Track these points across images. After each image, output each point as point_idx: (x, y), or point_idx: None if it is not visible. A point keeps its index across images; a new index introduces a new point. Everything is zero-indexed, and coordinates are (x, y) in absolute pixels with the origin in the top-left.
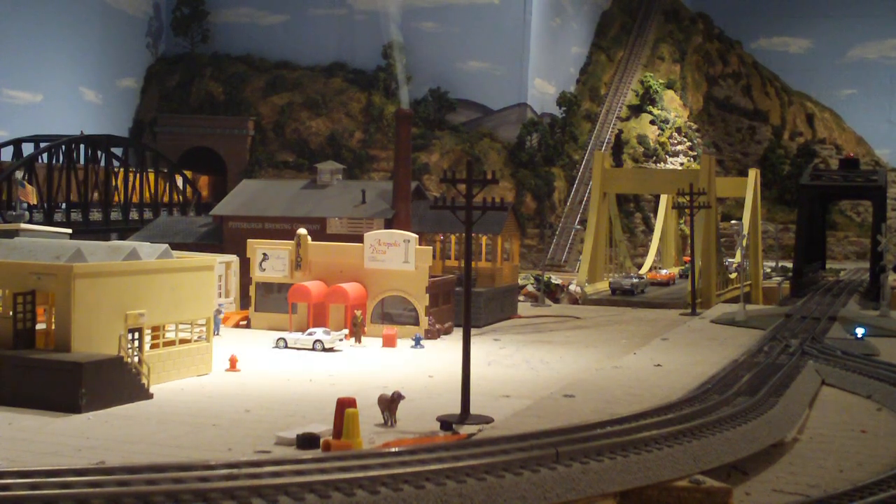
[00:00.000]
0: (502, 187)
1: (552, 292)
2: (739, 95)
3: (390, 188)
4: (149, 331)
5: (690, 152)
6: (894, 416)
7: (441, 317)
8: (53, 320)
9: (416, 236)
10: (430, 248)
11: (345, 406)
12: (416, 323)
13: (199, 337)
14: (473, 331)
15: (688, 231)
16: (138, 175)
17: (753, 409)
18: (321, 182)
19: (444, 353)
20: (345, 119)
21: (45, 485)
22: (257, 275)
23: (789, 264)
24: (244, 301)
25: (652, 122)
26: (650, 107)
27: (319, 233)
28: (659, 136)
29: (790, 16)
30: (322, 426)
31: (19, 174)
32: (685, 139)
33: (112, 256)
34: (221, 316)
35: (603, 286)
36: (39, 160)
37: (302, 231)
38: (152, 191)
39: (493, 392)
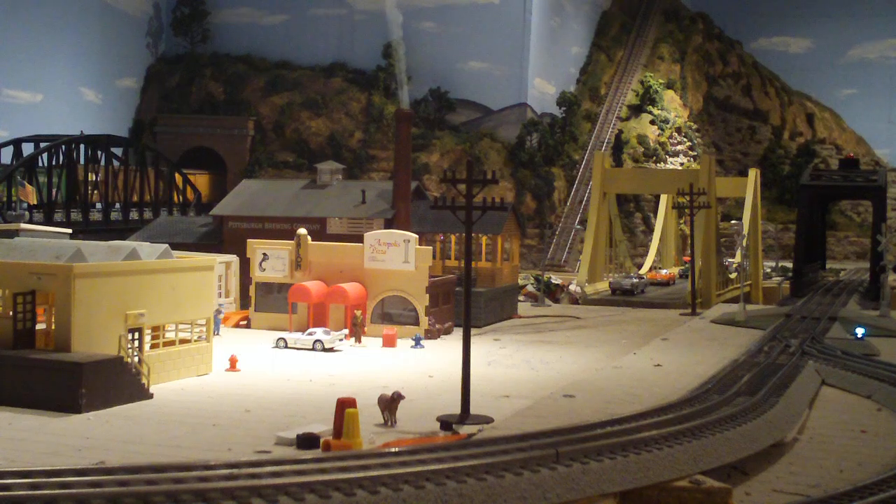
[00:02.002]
0: (502, 187)
1: (552, 292)
2: (739, 95)
3: (390, 188)
4: (149, 331)
5: (690, 152)
6: (894, 416)
7: (441, 317)
8: (53, 320)
9: (416, 236)
10: (430, 248)
11: (345, 406)
12: (416, 323)
13: (199, 337)
14: (473, 331)
15: (688, 231)
16: (138, 175)
17: (753, 409)
18: (321, 182)
19: (444, 353)
20: (345, 119)
21: (45, 485)
22: (257, 275)
23: (789, 264)
24: (244, 301)
25: (652, 122)
26: (650, 107)
27: (319, 233)
28: (659, 136)
29: (790, 16)
30: (322, 426)
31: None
32: (685, 139)
33: (112, 256)
34: (221, 316)
35: (603, 286)
36: (39, 160)
37: (302, 231)
38: (152, 191)
39: (493, 392)
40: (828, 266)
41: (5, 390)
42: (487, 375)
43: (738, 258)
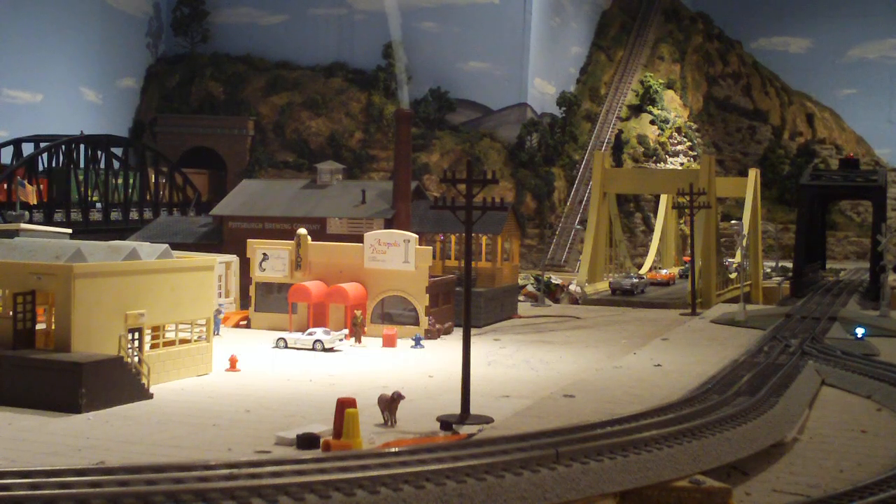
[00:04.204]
0: (502, 187)
1: (552, 292)
2: (739, 95)
3: (390, 188)
4: (149, 331)
5: (690, 152)
6: (894, 416)
7: (441, 317)
8: (53, 320)
9: (416, 236)
10: (430, 248)
11: (345, 406)
12: (416, 323)
13: (199, 337)
14: (473, 331)
15: (688, 231)
16: (138, 175)
17: (753, 409)
18: (321, 182)
19: (444, 353)
20: (345, 119)
21: (45, 485)
22: (257, 275)
23: (789, 264)
24: (244, 301)
25: (652, 122)
26: (650, 107)
27: (319, 233)
28: (659, 136)
29: (790, 16)
30: (322, 426)
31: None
32: (685, 139)
33: (112, 256)
34: (221, 316)
35: (603, 286)
36: (39, 160)
37: (302, 231)
38: (152, 191)
39: (493, 392)
40: (828, 266)
41: (5, 390)
42: (487, 375)
43: (738, 258)
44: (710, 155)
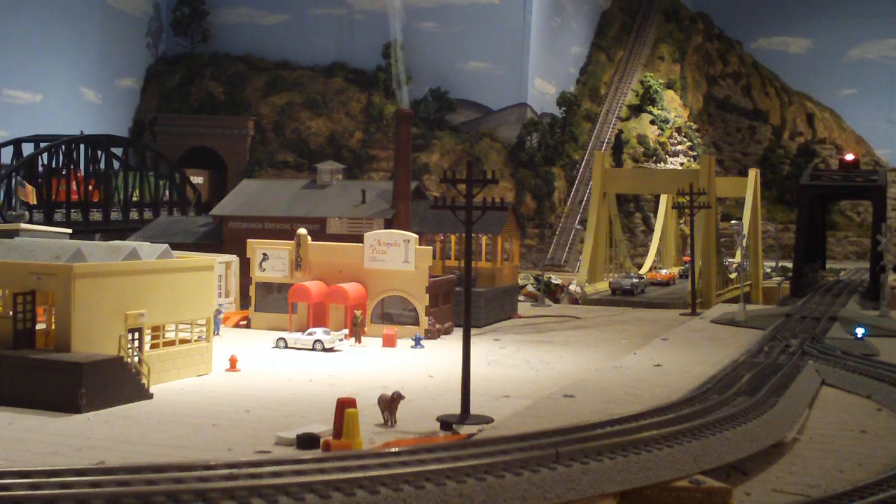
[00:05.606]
0: (502, 187)
1: (552, 292)
2: (739, 95)
3: (390, 188)
4: (149, 331)
5: (690, 152)
6: (894, 416)
7: (441, 317)
8: (53, 320)
9: (416, 236)
10: (430, 248)
11: (345, 406)
12: (416, 323)
13: (199, 337)
14: (473, 331)
15: (688, 231)
16: (138, 175)
17: (753, 409)
18: (321, 182)
19: (444, 353)
20: (345, 119)
21: (45, 485)
22: (257, 275)
23: (789, 264)
24: (244, 301)
25: (652, 122)
26: (650, 107)
27: (319, 233)
28: (659, 136)
29: (790, 16)
30: (322, 426)
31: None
32: (685, 139)
33: (112, 256)
34: (221, 316)
35: (603, 286)
36: (39, 160)
37: (302, 231)
38: (152, 191)
39: (493, 392)
40: (828, 266)
41: (5, 390)
42: (487, 375)
43: (738, 258)
44: (710, 155)
